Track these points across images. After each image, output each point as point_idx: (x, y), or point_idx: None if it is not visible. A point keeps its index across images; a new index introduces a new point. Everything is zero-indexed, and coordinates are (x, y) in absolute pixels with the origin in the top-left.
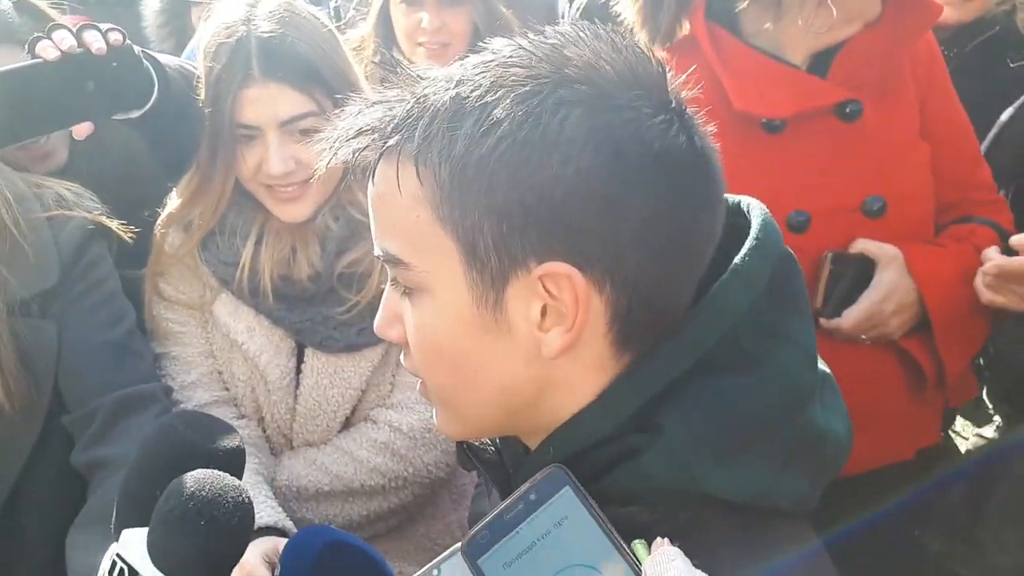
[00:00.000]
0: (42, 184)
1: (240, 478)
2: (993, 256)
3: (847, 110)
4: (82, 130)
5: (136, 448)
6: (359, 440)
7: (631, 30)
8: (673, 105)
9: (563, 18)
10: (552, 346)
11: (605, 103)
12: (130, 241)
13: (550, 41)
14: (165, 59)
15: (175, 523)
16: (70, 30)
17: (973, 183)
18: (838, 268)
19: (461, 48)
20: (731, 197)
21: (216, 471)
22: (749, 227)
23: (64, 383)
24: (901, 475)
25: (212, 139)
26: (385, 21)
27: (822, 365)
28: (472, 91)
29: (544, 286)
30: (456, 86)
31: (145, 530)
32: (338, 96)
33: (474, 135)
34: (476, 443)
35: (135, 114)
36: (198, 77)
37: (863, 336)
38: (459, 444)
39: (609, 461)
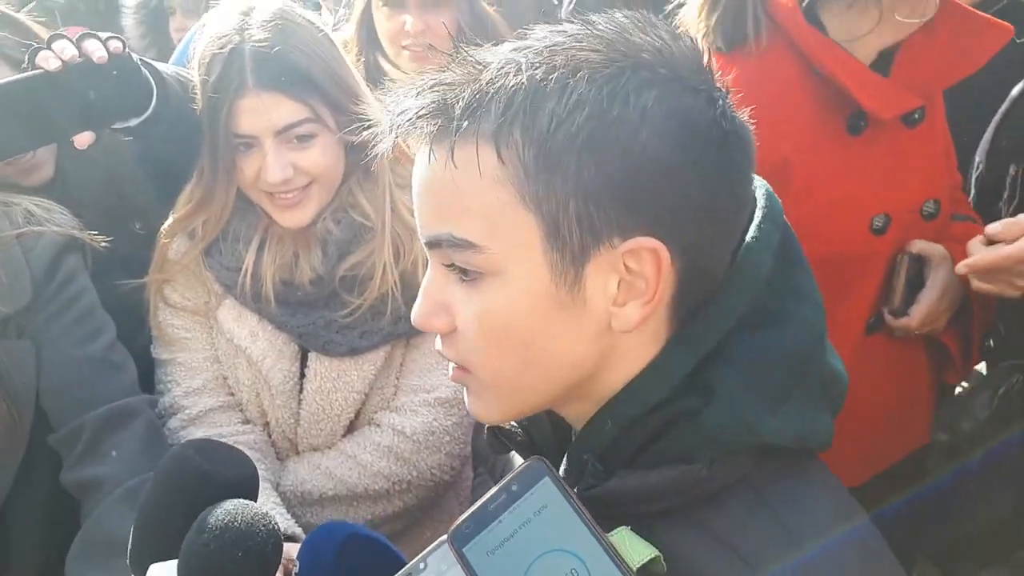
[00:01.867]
0: (10, 202)
1: (255, 501)
2: (977, 249)
3: (915, 116)
4: (84, 140)
5: (127, 472)
6: (363, 444)
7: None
8: (720, 88)
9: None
10: (630, 319)
11: (680, 85)
12: (103, 251)
13: (613, 27)
14: (162, 67)
15: (212, 556)
16: (70, 40)
17: (956, 182)
18: (912, 268)
19: (446, 50)
20: None
21: (244, 501)
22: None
23: (46, 401)
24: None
25: (211, 149)
26: (368, 24)
27: None
28: (548, 73)
29: (624, 262)
30: (530, 68)
31: (174, 563)
32: (335, 101)
33: (559, 114)
34: (507, 427)
35: (134, 122)
36: (194, 85)
37: (916, 331)
38: (490, 430)
39: (665, 424)
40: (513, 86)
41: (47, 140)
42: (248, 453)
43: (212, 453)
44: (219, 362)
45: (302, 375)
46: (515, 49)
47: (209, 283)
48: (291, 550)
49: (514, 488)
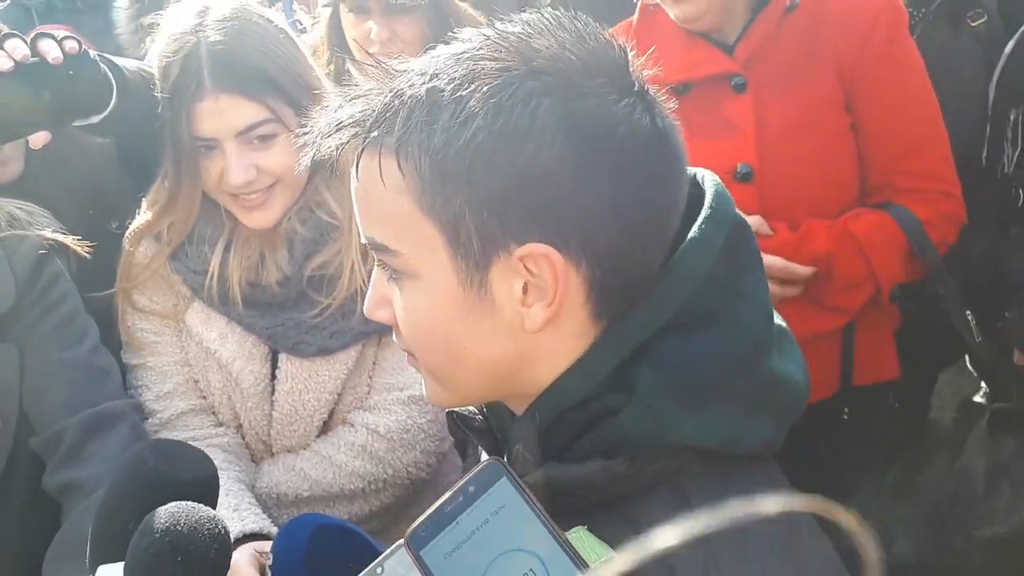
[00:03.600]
0: None
1: (215, 506)
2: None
3: (733, 83)
4: (38, 139)
5: (108, 475)
6: (337, 444)
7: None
8: (636, 88)
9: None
10: (535, 320)
11: (572, 91)
12: (87, 256)
13: (517, 32)
14: (123, 62)
15: (152, 561)
16: (24, 40)
17: (900, 169)
18: None
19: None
20: (689, 169)
21: (190, 503)
22: (704, 197)
23: (29, 405)
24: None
25: (174, 153)
26: (337, 28)
27: (779, 320)
28: (447, 84)
29: (524, 265)
30: (431, 79)
31: (121, 566)
32: (295, 99)
33: (451, 127)
34: (465, 411)
35: (95, 119)
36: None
37: None
38: (448, 413)
39: (590, 420)
40: (414, 98)
41: (3, 139)
42: (222, 456)
43: (170, 455)
44: (189, 365)
45: (273, 376)
46: (433, 56)
47: (177, 286)
48: (267, 547)
49: (471, 489)
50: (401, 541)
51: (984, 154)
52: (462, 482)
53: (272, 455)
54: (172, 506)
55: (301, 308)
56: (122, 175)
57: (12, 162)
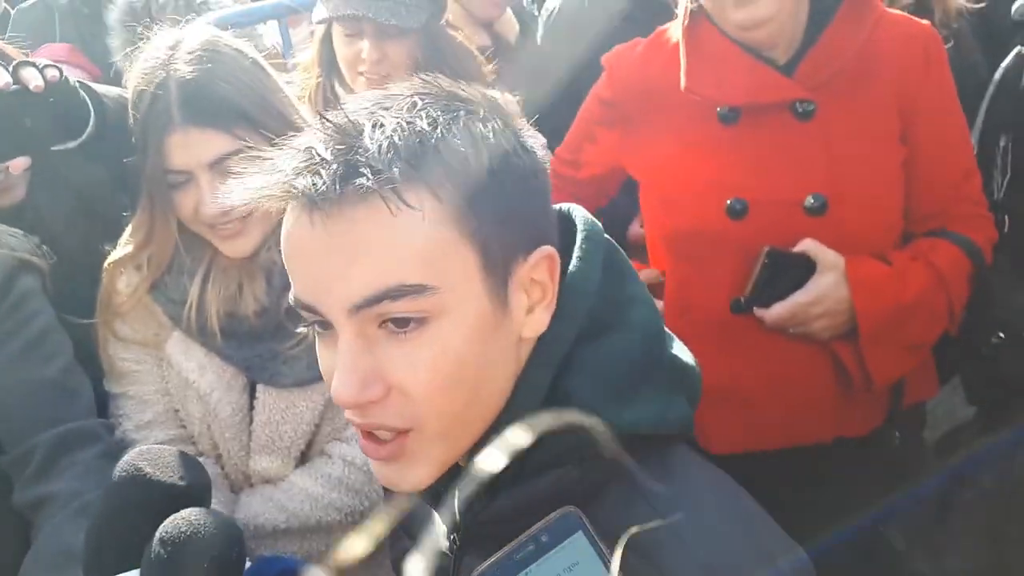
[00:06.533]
0: None
1: (208, 507)
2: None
3: (799, 109)
4: (19, 165)
5: (86, 487)
6: (314, 476)
7: None
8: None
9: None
10: (541, 322)
11: (514, 125)
12: (67, 277)
13: (439, 86)
14: (103, 89)
15: (175, 569)
16: (5, 68)
17: (955, 196)
18: (773, 262)
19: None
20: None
21: (203, 509)
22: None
23: None
24: (857, 461)
25: (148, 186)
26: (328, 48)
27: None
28: (441, 114)
29: (530, 273)
30: (411, 110)
31: (135, 574)
32: (267, 128)
33: (466, 154)
34: None
35: (72, 144)
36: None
37: (790, 329)
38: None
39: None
40: (407, 129)
41: None
42: None
43: (163, 462)
44: (170, 395)
45: (252, 407)
46: (381, 96)
47: (158, 315)
48: None
49: (543, 539)
50: None
51: None
52: (534, 529)
53: (251, 485)
54: (187, 513)
55: (279, 339)
56: (118, 198)
57: (16, 187)
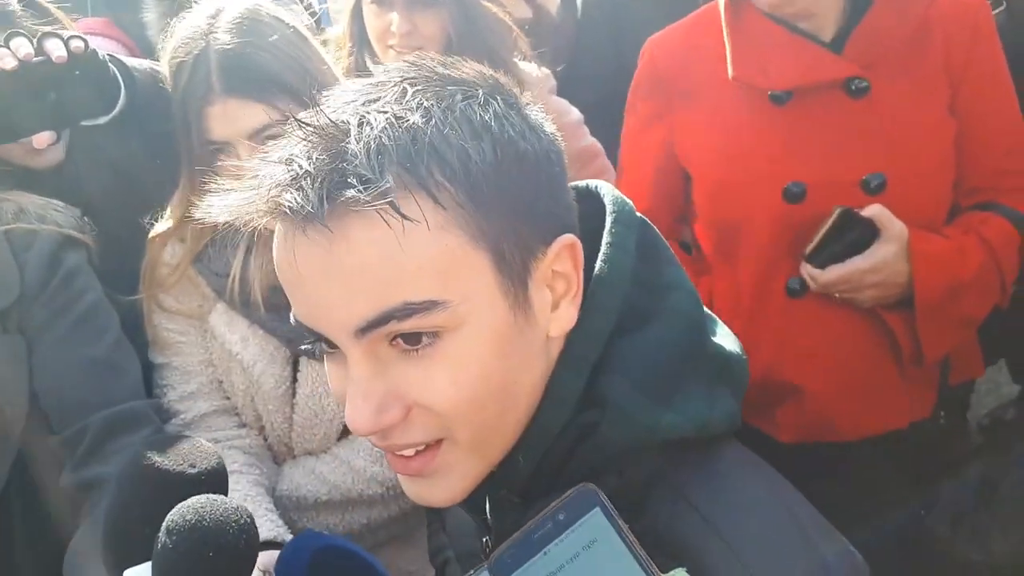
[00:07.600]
0: (1, 198)
1: (226, 494)
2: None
3: (853, 87)
4: (43, 139)
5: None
6: (356, 449)
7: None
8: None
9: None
10: (568, 317)
11: (521, 104)
12: (115, 251)
13: (434, 65)
14: (135, 63)
15: (182, 558)
16: (29, 38)
17: (1005, 168)
18: (842, 223)
19: (434, 52)
20: (581, 182)
21: (211, 496)
22: (604, 205)
23: (48, 403)
24: (905, 450)
25: (187, 158)
26: (359, 20)
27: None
28: (431, 109)
29: (551, 266)
30: (393, 109)
31: (147, 566)
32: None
33: (464, 148)
34: None
35: (103, 120)
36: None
37: (836, 294)
38: None
39: (572, 445)
40: (410, 132)
41: (5, 139)
42: (243, 458)
43: (174, 452)
44: (214, 366)
45: (295, 380)
46: (354, 92)
47: (201, 287)
48: (273, 558)
49: (561, 517)
50: (483, 564)
51: None
52: (552, 507)
53: (294, 457)
54: (194, 501)
55: None
56: (154, 172)
57: (54, 148)
